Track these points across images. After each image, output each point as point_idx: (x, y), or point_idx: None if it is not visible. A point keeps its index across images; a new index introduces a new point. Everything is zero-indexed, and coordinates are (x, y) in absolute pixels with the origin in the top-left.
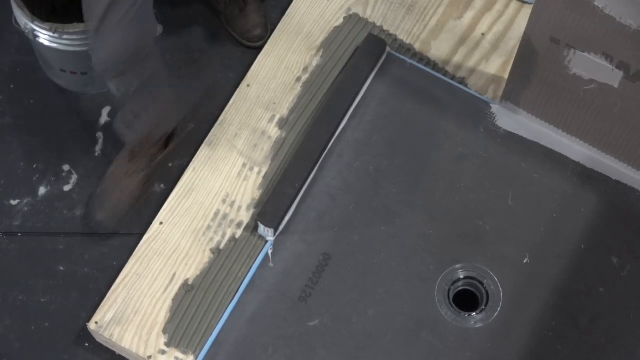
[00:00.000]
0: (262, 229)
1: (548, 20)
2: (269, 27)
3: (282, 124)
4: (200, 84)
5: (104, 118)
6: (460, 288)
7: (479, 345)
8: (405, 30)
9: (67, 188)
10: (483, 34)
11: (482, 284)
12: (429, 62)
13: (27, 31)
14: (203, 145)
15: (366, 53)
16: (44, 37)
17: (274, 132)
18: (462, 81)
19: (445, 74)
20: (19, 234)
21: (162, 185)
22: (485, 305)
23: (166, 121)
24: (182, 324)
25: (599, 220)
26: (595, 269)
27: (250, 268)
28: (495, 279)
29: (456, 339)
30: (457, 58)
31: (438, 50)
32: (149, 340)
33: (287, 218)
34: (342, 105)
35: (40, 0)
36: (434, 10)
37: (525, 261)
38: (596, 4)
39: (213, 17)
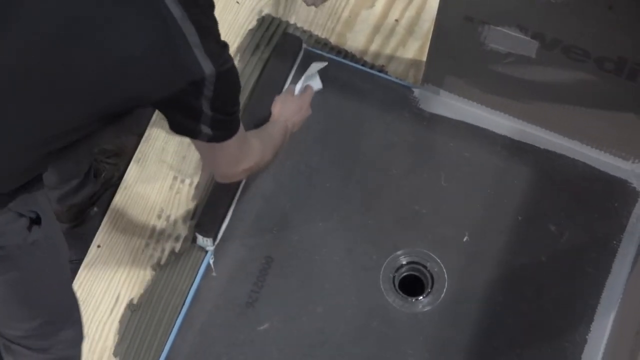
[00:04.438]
0: (200, 239)
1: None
2: None
3: None
4: None
5: None
6: (405, 274)
7: (430, 328)
8: (319, 25)
9: None
10: (396, 20)
11: (425, 267)
12: (346, 54)
13: None
14: (132, 163)
15: (283, 52)
16: None
17: None
18: (381, 69)
19: (364, 64)
20: None
21: (95, 209)
22: (431, 288)
23: None
24: (132, 345)
25: (533, 190)
26: (535, 239)
27: (194, 280)
28: (438, 260)
29: (407, 325)
30: (373, 47)
31: (354, 41)
32: None
33: (224, 225)
34: (265, 107)
35: None
36: (345, 1)
37: (465, 240)
38: None
39: None
